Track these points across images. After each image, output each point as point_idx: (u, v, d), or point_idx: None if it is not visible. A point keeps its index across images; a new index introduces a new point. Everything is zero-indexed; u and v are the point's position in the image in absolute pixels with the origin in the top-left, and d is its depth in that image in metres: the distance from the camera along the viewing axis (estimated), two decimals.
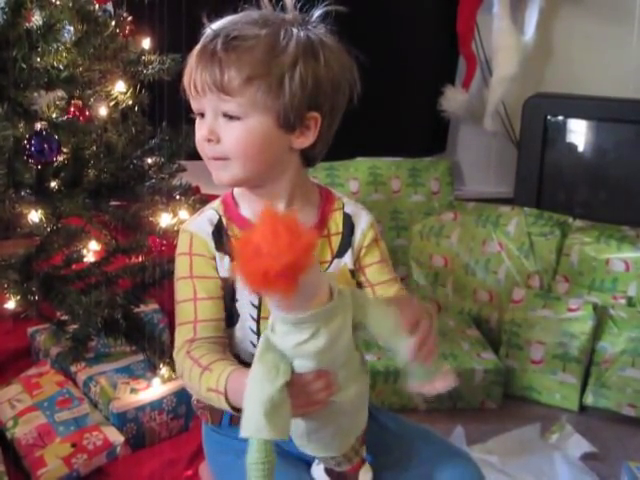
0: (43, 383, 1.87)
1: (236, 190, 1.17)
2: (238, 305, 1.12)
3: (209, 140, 1.05)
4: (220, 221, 1.14)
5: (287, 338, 0.87)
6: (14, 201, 1.50)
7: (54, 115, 1.59)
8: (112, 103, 1.70)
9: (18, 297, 1.67)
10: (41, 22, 1.43)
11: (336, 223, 1.16)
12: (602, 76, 2.75)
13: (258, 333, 1.11)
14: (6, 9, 1.48)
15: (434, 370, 0.98)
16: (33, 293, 1.55)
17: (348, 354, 0.93)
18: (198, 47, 1.06)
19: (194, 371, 1.05)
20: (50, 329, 2.01)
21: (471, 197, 2.77)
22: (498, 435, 1.84)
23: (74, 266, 1.75)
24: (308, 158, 1.13)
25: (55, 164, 1.48)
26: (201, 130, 1.06)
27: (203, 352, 1.07)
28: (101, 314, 1.51)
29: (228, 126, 1.04)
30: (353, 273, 1.17)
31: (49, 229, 1.56)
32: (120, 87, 1.71)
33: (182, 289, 1.13)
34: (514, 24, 2.66)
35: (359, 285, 1.18)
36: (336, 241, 1.16)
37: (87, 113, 1.65)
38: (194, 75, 1.04)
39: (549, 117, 2.54)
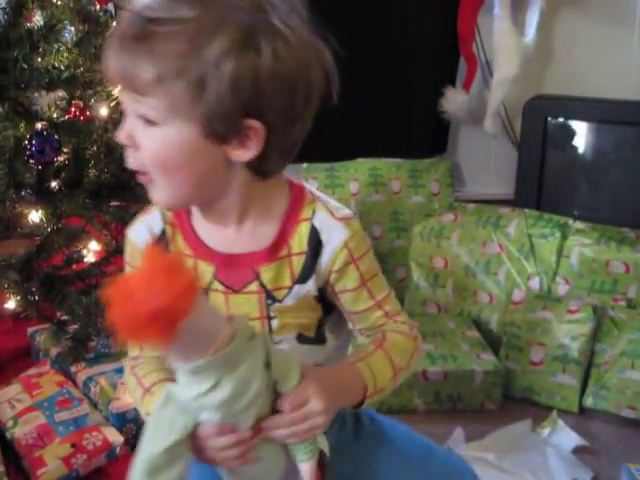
0: (43, 383, 1.87)
1: None
2: None
3: (127, 145, 0.87)
4: (164, 232, 0.98)
5: (187, 389, 0.79)
6: (15, 201, 1.51)
7: (55, 115, 1.59)
8: (113, 103, 1.70)
9: (18, 297, 1.68)
10: (42, 22, 1.42)
11: (300, 239, 0.96)
12: (603, 78, 2.74)
13: None
14: (7, 9, 1.49)
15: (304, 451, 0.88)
16: (33, 293, 1.56)
17: (263, 406, 0.84)
18: (116, 27, 0.88)
19: (137, 392, 0.99)
20: (50, 329, 2.02)
21: (471, 198, 2.76)
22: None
23: (74, 266, 1.75)
24: (260, 171, 0.92)
25: (56, 164, 1.49)
26: (119, 132, 0.88)
27: (146, 370, 1.00)
28: (101, 314, 1.51)
29: (146, 132, 0.85)
30: (320, 299, 1.00)
31: (49, 229, 1.57)
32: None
33: None
34: (515, 25, 2.64)
35: (331, 309, 1.03)
36: (299, 263, 0.96)
37: (88, 113, 1.65)
38: (108, 64, 0.85)
39: (549, 119, 2.53)
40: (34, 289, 1.56)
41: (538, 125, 2.52)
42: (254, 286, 0.96)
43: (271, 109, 0.84)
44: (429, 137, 2.79)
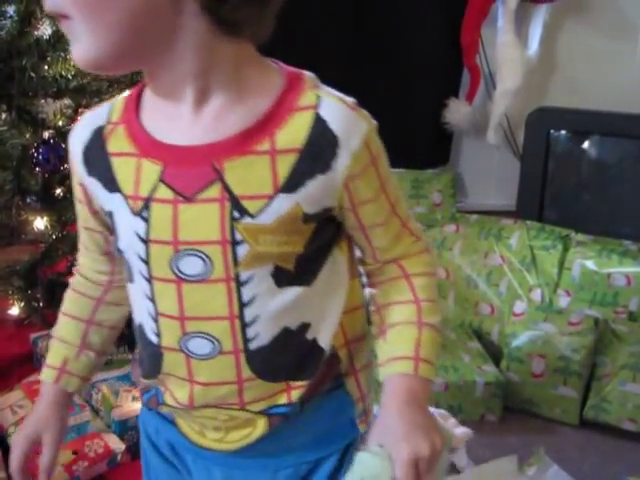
0: None
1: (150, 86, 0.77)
2: (126, 255, 0.79)
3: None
4: (102, 129, 0.77)
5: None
6: (20, 208, 1.52)
7: (61, 123, 1.60)
8: None
9: (22, 303, 1.69)
10: (50, 31, 1.43)
11: (294, 132, 0.71)
12: (605, 90, 2.76)
13: (154, 302, 0.78)
14: (16, 18, 1.50)
15: None
16: (37, 300, 1.56)
17: None
18: None
19: (59, 315, 0.94)
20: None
21: (474, 209, 2.77)
22: (476, 465, 1.76)
23: None
24: (222, 21, 0.68)
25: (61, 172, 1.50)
26: None
27: (70, 295, 0.94)
28: None
29: None
30: (308, 218, 0.74)
31: (54, 236, 1.58)
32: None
33: None
34: (518, 38, 2.68)
35: (327, 232, 0.78)
36: (286, 163, 0.71)
37: None
38: None
39: (552, 131, 2.56)
40: (38, 295, 1.57)
41: (540, 137, 2.54)
42: (214, 190, 0.72)
43: None
44: (432, 148, 2.82)
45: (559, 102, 2.75)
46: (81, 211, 0.85)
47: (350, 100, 0.74)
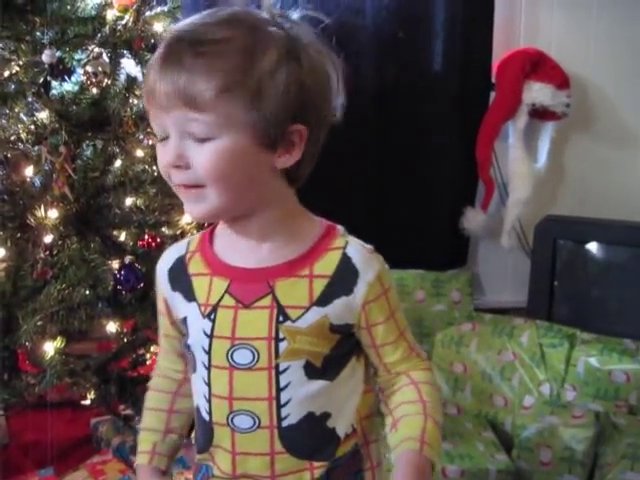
0: (107, 470, 2.10)
1: (220, 225, 1.04)
2: (194, 350, 1.02)
3: (177, 166, 0.90)
4: (183, 257, 1.04)
5: None
6: (99, 316, 1.79)
7: (131, 244, 1.90)
8: (179, 232, 2.01)
9: (93, 395, 1.94)
10: (131, 174, 1.74)
11: (327, 264, 0.97)
12: (611, 198, 2.97)
13: (209, 385, 1.01)
14: (100, 158, 1.82)
15: None
16: (111, 394, 1.80)
17: None
18: (159, 54, 0.90)
19: (144, 411, 1.12)
20: (112, 421, 2.27)
21: (489, 306, 2.97)
22: None
23: (141, 369, 2.02)
24: (292, 179, 0.97)
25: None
26: (165, 155, 0.90)
27: (152, 403, 1.13)
28: None
29: (199, 148, 0.88)
30: (334, 329, 0.98)
31: (125, 339, 1.85)
32: (186, 218, 2.02)
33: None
34: (528, 153, 2.91)
35: (343, 344, 1.01)
36: (320, 285, 0.96)
37: (158, 240, 1.96)
38: (156, 88, 0.88)
39: (558, 240, 2.78)
40: (112, 390, 1.82)
41: (548, 244, 2.76)
42: (266, 300, 0.96)
43: (312, 113, 0.93)
44: (451, 251, 3.01)
45: (567, 209, 2.97)
46: (163, 322, 1.10)
47: (369, 246, 1.01)
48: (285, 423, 1.00)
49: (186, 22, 0.91)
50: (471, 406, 2.54)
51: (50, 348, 1.64)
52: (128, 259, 1.71)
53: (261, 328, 0.97)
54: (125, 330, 1.95)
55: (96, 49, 1.86)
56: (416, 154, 2.90)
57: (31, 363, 1.67)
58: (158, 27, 1.99)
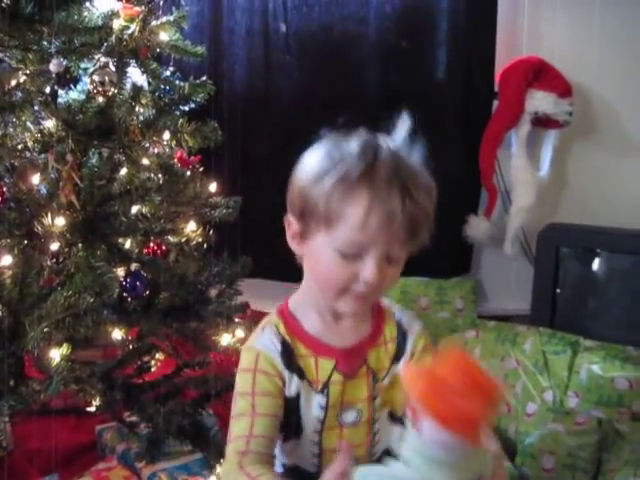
0: (112, 477, 2.10)
1: (291, 304, 1.22)
2: (303, 420, 1.18)
3: (369, 284, 1.07)
4: (285, 340, 1.17)
5: (424, 475, 0.88)
6: (105, 323, 1.81)
7: (136, 251, 1.91)
8: (184, 239, 2.03)
9: (98, 402, 1.95)
10: (137, 182, 1.76)
11: (390, 330, 1.22)
12: (612, 206, 2.98)
13: (320, 444, 1.20)
14: (107, 167, 1.83)
15: None
16: (116, 401, 1.82)
17: None
18: (375, 188, 1.04)
19: None
20: (117, 428, 2.28)
21: (493, 313, 2.98)
22: None
23: (147, 377, 2.03)
24: None
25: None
26: (365, 273, 1.06)
27: (260, 471, 1.07)
28: (175, 421, 1.79)
29: (391, 267, 1.09)
30: None
31: (131, 346, 1.86)
32: (192, 226, 2.04)
33: (240, 404, 1.15)
34: (530, 161, 2.93)
35: None
36: (392, 347, 1.22)
37: (164, 248, 1.98)
38: (378, 219, 1.03)
39: (562, 248, 2.79)
40: (118, 398, 1.83)
41: (550, 253, 2.78)
42: (363, 370, 1.21)
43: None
44: (455, 259, 3.03)
45: (570, 217, 2.96)
46: (269, 404, 1.15)
47: (408, 311, 1.28)
48: (373, 458, 1.25)
49: (386, 156, 1.13)
50: None
51: (56, 355, 1.65)
52: (134, 266, 1.73)
53: (363, 390, 1.21)
54: (130, 337, 1.96)
55: (102, 58, 1.88)
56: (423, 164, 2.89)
57: (37, 369, 1.68)
58: (164, 36, 2.02)
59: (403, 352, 1.22)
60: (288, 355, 1.17)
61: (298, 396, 1.18)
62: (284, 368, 1.16)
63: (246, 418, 1.14)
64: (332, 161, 1.09)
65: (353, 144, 1.13)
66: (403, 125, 1.20)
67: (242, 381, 1.17)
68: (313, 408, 1.18)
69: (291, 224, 1.17)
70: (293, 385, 1.17)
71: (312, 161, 1.14)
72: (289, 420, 1.19)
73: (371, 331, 1.22)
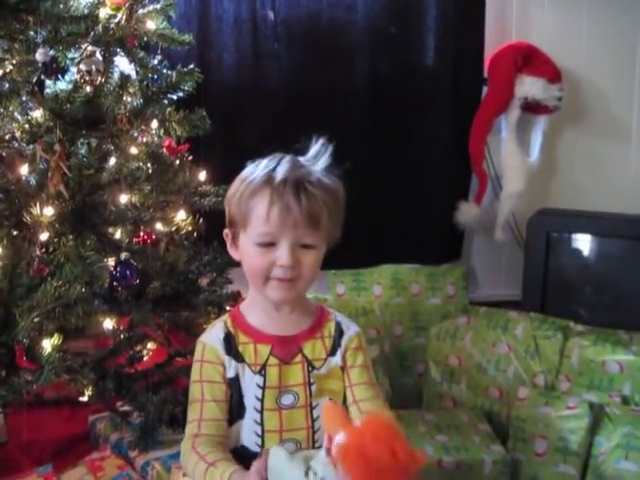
0: (105, 466, 2.11)
1: (242, 305, 1.44)
2: (245, 400, 1.35)
3: (291, 266, 1.28)
4: (228, 331, 1.38)
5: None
6: (95, 312, 1.81)
7: (126, 241, 1.91)
8: (174, 228, 2.02)
9: (90, 391, 1.95)
10: (126, 171, 1.75)
11: (329, 329, 1.42)
12: (602, 191, 3.02)
13: (262, 425, 1.34)
14: (94, 156, 1.82)
15: None
16: (109, 390, 1.82)
17: None
18: (273, 188, 1.27)
19: (199, 466, 1.27)
20: (110, 418, 2.29)
21: (484, 299, 2.99)
22: None
23: (139, 366, 2.03)
24: None
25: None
26: (279, 258, 1.28)
27: (209, 449, 1.29)
28: (167, 410, 1.79)
29: (306, 253, 1.30)
30: (342, 371, 1.40)
31: (122, 335, 1.86)
32: (181, 215, 2.04)
33: (193, 391, 1.37)
34: (520, 146, 2.94)
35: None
36: (329, 342, 1.41)
37: (154, 237, 1.97)
38: (278, 211, 1.26)
39: (551, 233, 2.80)
40: (110, 387, 1.83)
41: (541, 238, 2.79)
42: (299, 357, 1.38)
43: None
44: (445, 245, 3.04)
45: (560, 202, 3.00)
46: (216, 390, 1.34)
47: (349, 319, 1.47)
48: (317, 444, 1.36)
49: (285, 167, 1.32)
50: (466, 398, 2.57)
51: (47, 345, 1.65)
52: (124, 256, 1.73)
53: (299, 376, 1.37)
54: (122, 327, 1.96)
55: (89, 47, 1.87)
56: (409, 149, 2.93)
57: (28, 360, 1.68)
58: (151, 25, 2.01)
59: (338, 347, 1.39)
60: (228, 343, 1.35)
61: (237, 377, 1.34)
62: (224, 354, 1.34)
63: (197, 404, 1.34)
64: (246, 176, 1.35)
65: (263, 161, 1.37)
66: (316, 146, 1.42)
67: (193, 371, 1.38)
68: (252, 387, 1.34)
69: (227, 235, 1.41)
70: (232, 368, 1.34)
71: (235, 181, 1.40)
72: (232, 400, 1.35)
73: (310, 326, 1.40)
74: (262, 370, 1.35)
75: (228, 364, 1.35)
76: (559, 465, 2.19)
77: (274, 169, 1.32)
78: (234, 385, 1.36)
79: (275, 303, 1.37)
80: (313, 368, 1.38)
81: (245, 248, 1.34)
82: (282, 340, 1.38)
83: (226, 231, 1.41)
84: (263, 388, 1.35)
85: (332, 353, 1.40)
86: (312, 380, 1.38)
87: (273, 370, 1.36)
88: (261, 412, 1.35)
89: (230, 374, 1.35)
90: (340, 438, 1.05)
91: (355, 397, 1.40)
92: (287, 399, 1.37)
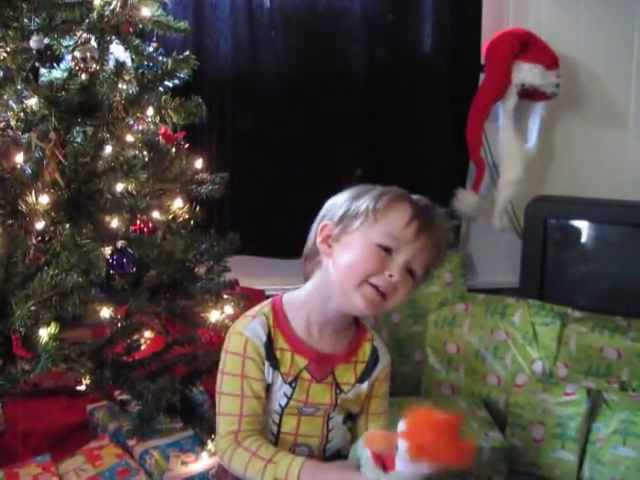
0: (104, 455, 2.10)
1: (285, 300, 1.35)
2: (269, 402, 1.31)
3: (397, 282, 1.23)
4: (270, 331, 1.31)
5: None
6: (92, 301, 1.80)
7: (123, 229, 1.89)
8: (171, 216, 2.01)
9: (88, 380, 1.94)
10: (122, 159, 1.74)
11: (364, 352, 1.36)
12: (599, 177, 3.01)
13: (279, 426, 1.32)
14: (90, 144, 1.81)
15: None
16: (106, 379, 1.81)
17: None
18: (415, 205, 1.28)
19: (254, 463, 1.24)
20: (108, 407, 2.28)
21: (482, 286, 3.01)
22: None
23: (136, 355, 2.03)
24: None
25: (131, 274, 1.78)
26: (391, 267, 1.23)
27: (257, 443, 1.26)
28: (165, 398, 1.79)
29: (408, 280, 1.25)
30: (365, 397, 1.37)
31: (119, 324, 1.86)
32: (178, 203, 2.03)
33: (230, 384, 1.29)
34: (518, 133, 2.94)
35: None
36: (360, 368, 1.36)
37: (150, 225, 1.96)
38: (418, 226, 1.24)
39: (549, 220, 2.80)
40: (107, 375, 1.83)
41: (538, 225, 2.79)
42: (330, 378, 1.34)
43: None
44: None
45: (558, 189, 3.01)
46: (258, 385, 1.30)
47: (383, 343, 1.42)
48: (328, 453, 1.37)
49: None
50: (465, 385, 2.58)
51: (44, 334, 1.64)
52: (120, 244, 1.72)
53: (327, 396, 1.34)
54: (119, 315, 1.95)
55: (84, 35, 1.85)
56: (406, 136, 2.92)
57: (25, 349, 1.68)
58: (146, 12, 1.99)
59: (369, 375, 1.36)
60: (269, 346, 1.30)
61: (271, 384, 1.31)
62: (265, 357, 1.29)
63: (236, 399, 1.29)
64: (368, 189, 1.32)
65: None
66: None
67: (231, 363, 1.30)
68: (279, 394, 1.31)
69: (326, 227, 1.31)
70: (269, 374, 1.30)
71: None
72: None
73: (347, 348, 1.35)
74: (293, 382, 1.32)
75: (267, 369, 1.31)
76: (557, 451, 2.22)
77: (409, 198, 1.31)
78: (269, 389, 1.33)
79: (353, 311, 1.31)
80: (341, 391, 1.35)
81: (359, 243, 1.25)
82: (319, 357, 1.33)
83: (327, 224, 1.31)
84: (289, 399, 1.32)
85: (361, 380, 1.36)
86: (339, 402, 1.35)
87: (303, 384, 1.32)
88: (281, 415, 1.33)
89: (268, 380, 1.31)
90: (401, 425, 1.11)
91: (369, 425, 1.40)
92: (309, 409, 1.34)
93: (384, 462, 1.14)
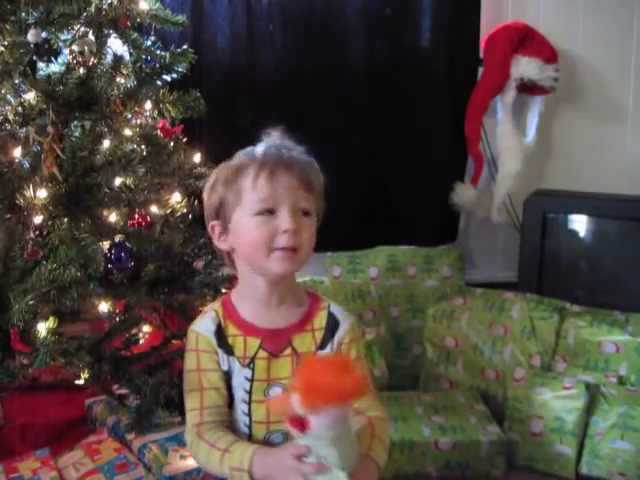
0: (102, 449, 2.11)
1: (232, 294, 1.40)
2: (234, 392, 1.34)
3: (294, 230, 1.25)
4: (220, 323, 1.35)
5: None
6: (91, 295, 1.80)
7: (121, 223, 1.89)
8: (169, 211, 2.01)
9: (86, 374, 1.94)
10: (120, 153, 1.74)
11: (320, 320, 1.36)
12: (598, 173, 3.01)
13: (249, 415, 1.33)
14: (88, 138, 1.81)
15: None
16: (105, 373, 1.81)
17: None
18: (256, 161, 1.28)
19: (213, 454, 1.27)
20: (106, 401, 2.29)
21: (480, 280, 3.00)
22: None
23: (135, 349, 2.03)
24: None
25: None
26: (282, 223, 1.25)
27: (217, 435, 1.29)
28: (164, 392, 1.79)
29: (305, 221, 1.28)
30: None
31: (118, 318, 1.86)
32: (176, 197, 2.03)
33: (190, 380, 1.35)
34: (516, 127, 2.93)
35: None
36: (319, 335, 1.36)
37: (148, 219, 1.96)
38: (266, 177, 1.25)
39: (547, 214, 2.80)
40: (106, 369, 1.83)
41: (537, 219, 2.78)
42: (288, 350, 1.34)
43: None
44: (442, 227, 3.04)
45: (556, 183, 3.01)
46: (211, 378, 1.33)
47: (344, 308, 1.40)
48: None
49: (268, 145, 1.33)
50: (463, 379, 2.58)
51: (42, 328, 1.64)
52: (118, 238, 1.72)
53: (287, 369, 1.34)
54: (117, 310, 1.95)
55: (82, 28, 1.85)
56: (405, 131, 2.91)
57: (24, 343, 1.67)
58: (144, 5, 1.98)
59: (329, 341, 1.36)
60: (220, 335, 1.34)
61: (229, 370, 1.34)
62: (217, 346, 1.33)
63: (196, 392, 1.34)
64: (223, 165, 1.37)
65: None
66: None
67: (188, 360, 1.36)
68: (240, 380, 1.33)
69: (213, 227, 1.36)
70: (224, 362, 1.33)
71: (212, 174, 1.40)
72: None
73: (300, 318, 1.36)
74: (250, 363, 1.33)
75: (221, 356, 1.34)
76: (555, 445, 2.21)
77: (252, 150, 1.33)
78: (225, 377, 1.35)
79: (277, 277, 1.32)
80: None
81: (243, 224, 1.29)
82: (272, 333, 1.35)
83: (211, 223, 1.37)
84: (251, 381, 1.33)
85: (322, 346, 1.35)
86: None
87: (261, 363, 1.33)
88: (249, 404, 1.34)
89: (224, 367, 1.34)
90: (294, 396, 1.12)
91: None
92: (275, 391, 1.35)
93: (303, 423, 1.14)
